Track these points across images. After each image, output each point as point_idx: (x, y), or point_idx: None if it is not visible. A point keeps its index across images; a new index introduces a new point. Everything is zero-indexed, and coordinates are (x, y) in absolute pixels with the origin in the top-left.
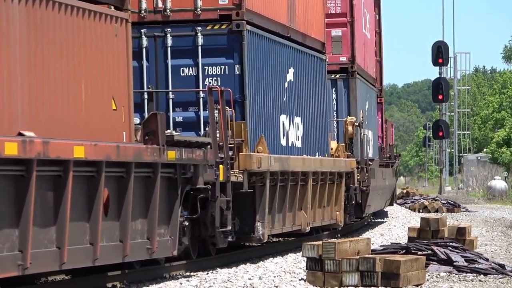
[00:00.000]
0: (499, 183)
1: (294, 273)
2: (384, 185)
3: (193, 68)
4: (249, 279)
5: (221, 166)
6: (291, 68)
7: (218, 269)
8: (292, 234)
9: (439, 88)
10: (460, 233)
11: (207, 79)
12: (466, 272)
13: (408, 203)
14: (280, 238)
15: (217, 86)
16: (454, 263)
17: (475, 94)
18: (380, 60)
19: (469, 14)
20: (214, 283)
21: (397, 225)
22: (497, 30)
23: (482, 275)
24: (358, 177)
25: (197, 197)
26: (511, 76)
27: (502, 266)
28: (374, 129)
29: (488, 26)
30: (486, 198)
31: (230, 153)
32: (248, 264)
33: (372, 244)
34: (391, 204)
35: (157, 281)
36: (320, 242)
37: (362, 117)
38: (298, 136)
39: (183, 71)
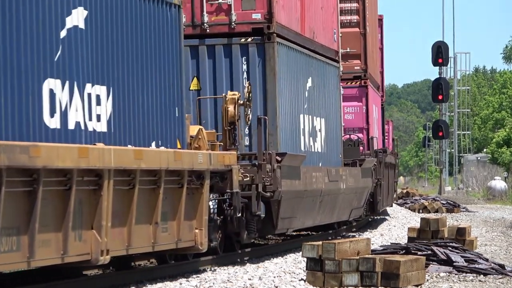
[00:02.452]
0: (499, 183)
1: (294, 273)
2: (336, 189)
3: None
4: (249, 279)
5: None
6: (80, 8)
7: (218, 269)
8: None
9: (439, 88)
10: (460, 233)
11: None
12: (466, 272)
13: (408, 204)
14: (280, 238)
15: None
16: (454, 263)
17: (475, 94)
18: (365, 33)
19: (469, 14)
20: (214, 283)
21: (397, 225)
22: (497, 30)
23: (482, 275)
24: (246, 178)
25: None
26: (511, 76)
27: (502, 266)
28: (334, 117)
29: (488, 26)
30: (486, 198)
31: None
32: (248, 264)
33: (372, 244)
34: (372, 212)
35: (156, 281)
36: (320, 243)
37: (249, 92)
38: (97, 116)
39: None
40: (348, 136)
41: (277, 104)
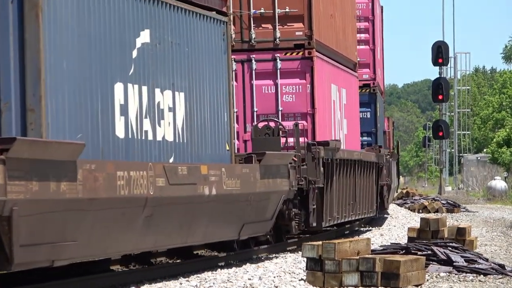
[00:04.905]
0: (499, 183)
1: (294, 273)
2: (190, 196)
3: None
4: (249, 279)
5: None
6: None
7: (218, 269)
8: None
9: (439, 88)
10: (460, 233)
11: None
12: (466, 272)
13: (408, 204)
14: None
15: None
16: (454, 263)
17: (475, 94)
18: None
19: (469, 14)
20: (214, 283)
21: (397, 225)
22: (497, 30)
23: (482, 275)
24: None
25: None
26: (511, 76)
27: (502, 266)
28: (213, 93)
29: (488, 26)
30: (486, 198)
31: None
32: (248, 264)
33: (372, 244)
34: (306, 226)
35: (156, 281)
36: (320, 243)
37: None
38: None
39: None
40: (266, 122)
41: (42, 64)
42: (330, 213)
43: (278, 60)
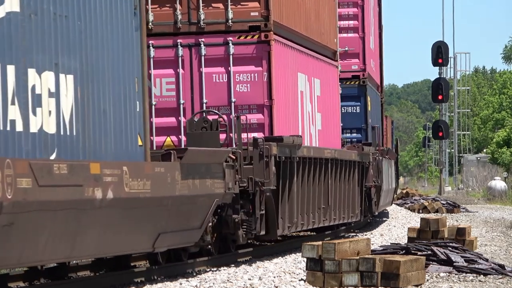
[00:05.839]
0: (499, 183)
1: (294, 273)
2: (76, 200)
3: None
4: (249, 279)
5: None
6: None
7: (218, 269)
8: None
9: (439, 88)
10: (460, 233)
11: None
12: (466, 273)
13: (408, 204)
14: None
15: None
16: (454, 264)
17: (475, 94)
18: None
19: (469, 14)
20: (214, 283)
21: (397, 226)
22: (497, 30)
23: (482, 276)
24: None
25: None
26: (511, 77)
27: (502, 266)
28: (117, 76)
29: (488, 26)
30: (486, 199)
31: None
32: (247, 264)
33: (372, 244)
34: (233, 241)
35: (156, 281)
36: (320, 243)
37: None
38: None
39: None
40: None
41: None
42: (289, 219)
43: (230, 44)
